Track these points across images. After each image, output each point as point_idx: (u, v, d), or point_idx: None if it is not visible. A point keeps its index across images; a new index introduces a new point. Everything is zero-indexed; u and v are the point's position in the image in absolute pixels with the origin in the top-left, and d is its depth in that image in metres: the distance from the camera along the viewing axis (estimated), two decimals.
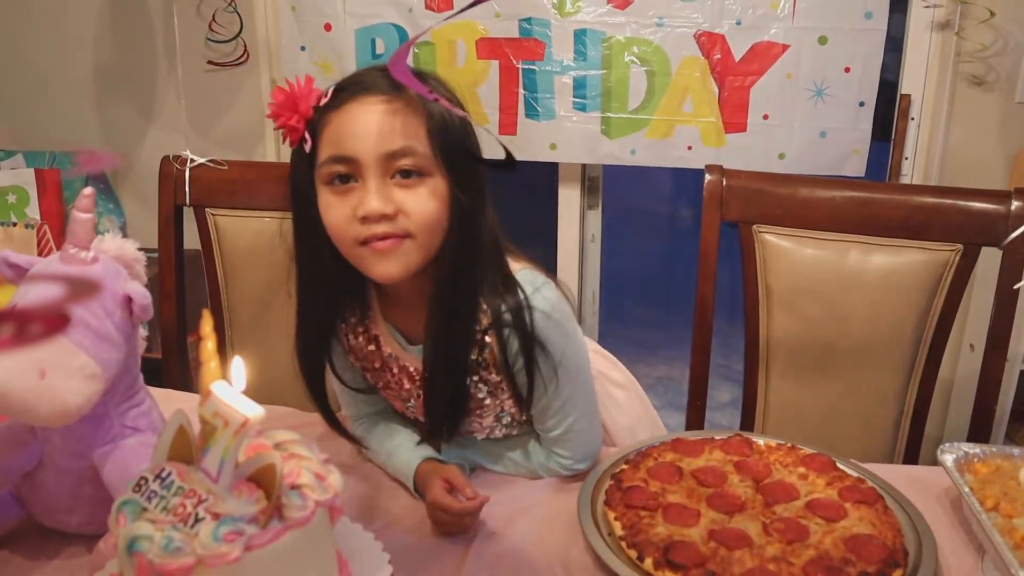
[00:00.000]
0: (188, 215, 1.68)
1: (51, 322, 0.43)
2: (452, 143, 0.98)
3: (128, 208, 2.65)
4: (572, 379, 1.09)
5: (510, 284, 1.03)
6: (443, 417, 1.08)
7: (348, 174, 0.96)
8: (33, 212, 2.28)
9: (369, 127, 0.95)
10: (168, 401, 1.08)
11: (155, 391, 1.06)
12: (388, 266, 0.98)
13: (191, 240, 1.69)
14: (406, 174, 0.96)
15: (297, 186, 1.02)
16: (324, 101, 0.97)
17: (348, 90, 0.97)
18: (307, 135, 0.98)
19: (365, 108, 0.96)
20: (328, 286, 1.06)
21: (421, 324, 1.08)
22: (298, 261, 1.07)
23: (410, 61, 2.23)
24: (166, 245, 1.67)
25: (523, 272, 1.06)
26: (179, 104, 2.12)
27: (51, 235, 1.88)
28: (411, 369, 1.11)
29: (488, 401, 1.10)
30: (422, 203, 0.97)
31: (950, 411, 2.19)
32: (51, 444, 0.95)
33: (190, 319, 1.72)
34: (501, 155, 0.95)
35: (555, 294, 1.06)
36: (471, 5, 0.92)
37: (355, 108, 0.96)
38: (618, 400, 1.35)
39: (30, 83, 2.65)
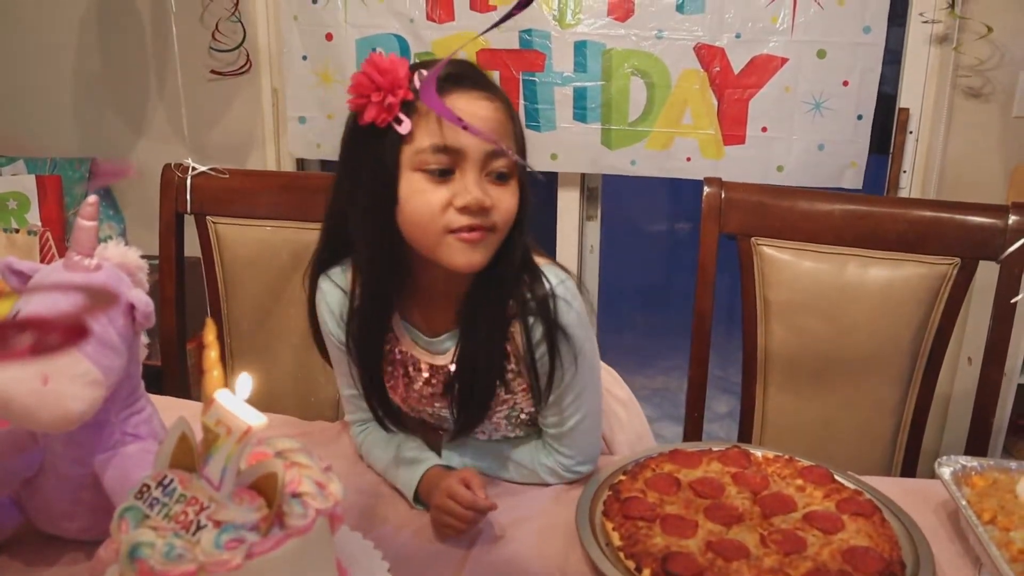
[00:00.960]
0: (188, 223, 1.68)
1: (69, 333, 0.43)
2: (525, 150, 1.05)
3: (128, 215, 2.65)
4: (588, 371, 1.11)
5: (536, 275, 1.07)
6: (475, 410, 1.10)
7: (449, 166, 0.98)
8: (34, 218, 2.29)
9: (478, 120, 0.96)
10: (168, 408, 1.08)
11: (155, 398, 1.06)
12: (474, 256, 1.00)
13: (191, 248, 1.70)
14: (500, 175, 1.00)
15: (370, 167, 1.00)
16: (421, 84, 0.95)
17: (451, 78, 0.97)
18: (403, 115, 0.96)
19: (474, 101, 0.98)
20: (390, 275, 1.07)
21: (441, 317, 1.10)
22: (364, 251, 1.06)
23: None
24: (167, 252, 1.67)
25: (546, 267, 1.09)
26: (180, 112, 2.13)
27: (53, 242, 1.89)
28: (425, 366, 1.12)
29: (504, 395, 1.11)
30: (509, 201, 1.01)
31: (947, 424, 2.20)
32: (52, 450, 0.95)
33: (190, 327, 1.73)
34: None
35: (574, 287, 1.09)
36: (498, 23, 0.91)
37: (464, 99, 0.97)
38: (620, 417, 1.37)
39: (31, 90, 2.66)
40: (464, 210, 0.97)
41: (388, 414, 1.16)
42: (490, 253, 1.01)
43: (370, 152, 0.99)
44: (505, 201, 1.00)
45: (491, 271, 1.03)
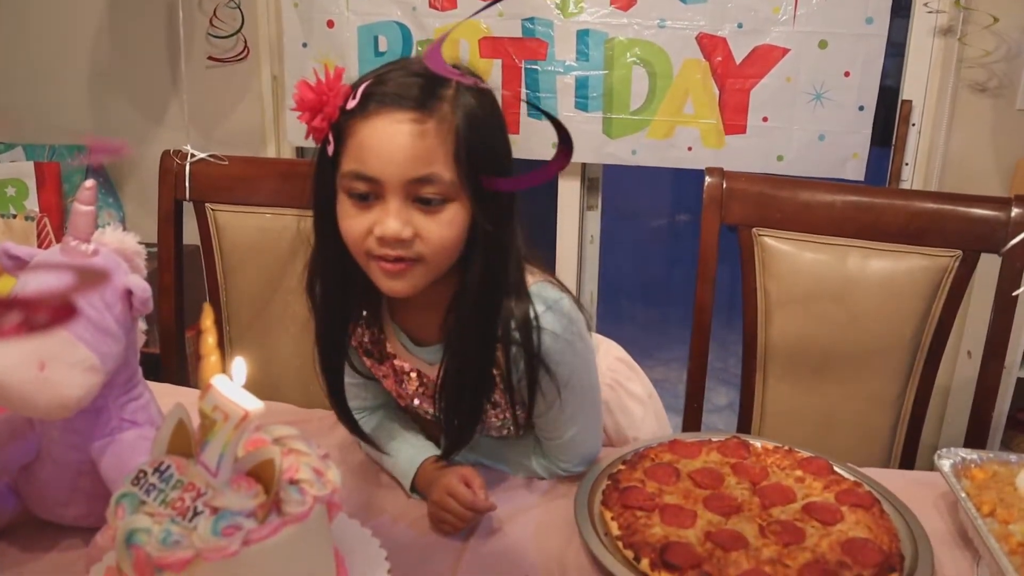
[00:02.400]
0: (188, 211, 1.68)
1: (58, 312, 0.43)
2: (480, 166, 0.94)
3: (127, 203, 2.65)
4: (578, 397, 1.08)
5: (523, 300, 1.01)
6: (463, 431, 1.07)
7: (370, 192, 0.94)
8: (32, 205, 2.28)
9: (395, 149, 0.92)
10: (166, 396, 1.08)
11: (153, 385, 1.06)
12: (395, 285, 0.97)
13: (190, 236, 1.69)
14: (426, 201, 0.94)
15: (319, 183, 1.00)
16: (351, 105, 0.94)
17: (377, 98, 0.93)
18: (331, 137, 0.95)
19: (393, 126, 0.92)
20: (347, 280, 1.05)
21: (428, 327, 1.07)
22: (319, 254, 1.06)
23: (412, 55, 2.25)
24: (165, 240, 1.66)
25: (538, 287, 1.03)
26: (180, 99, 2.12)
27: (51, 227, 1.88)
28: (414, 371, 1.11)
29: (491, 411, 1.10)
30: (440, 230, 0.95)
31: (946, 417, 2.20)
32: (49, 437, 0.95)
33: (188, 314, 1.72)
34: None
35: (567, 311, 1.04)
36: (485, 7, 0.90)
37: (383, 123, 0.92)
38: (633, 414, 1.34)
39: (30, 76, 2.64)
40: (382, 241, 0.94)
41: (346, 420, 1.14)
42: (418, 283, 0.97)
43: (319, 169, 0.99)
44: (433, 232, 0.94)
45: (466, 285, 1.00)
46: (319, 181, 1.00)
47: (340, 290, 1.06)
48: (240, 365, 0.73)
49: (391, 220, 0.93)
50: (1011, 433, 2.18)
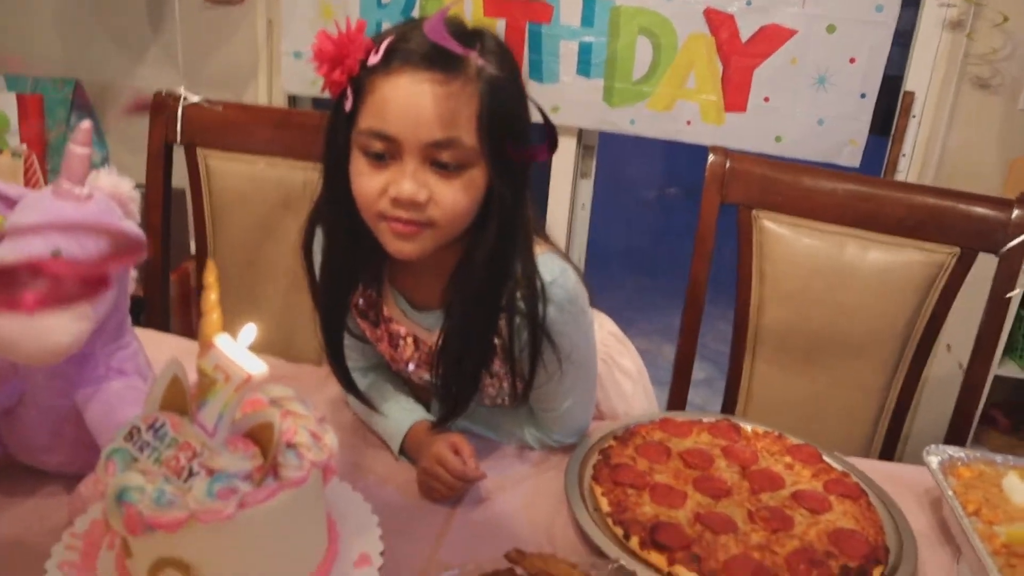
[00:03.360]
0: (176, 154, 1.63)
1: (96, 281, 0.39)
2: (501, 134, 0.92)
3: (110, 142, 2.58)
4: (577, 370, 1.07)
5: (529, 270, 1.00)
6: (455, 401, 1.06)
7: (386, 152, 0.92)
8: (13, 138, 2.21)
9: (417, 109, 0.89)
10: (151, 343, 1.06)
11: (137, 331, 1.03)
12: (404, 247, 0.95)
13: (178, 179, 1.65)
14: (444, 165, 0.92)
15: (332, 139, 0.97)
16: (374, 60, 0.91)
17: (401, 55, 0.90)
18: (349, 92, 0.92)
19: (416, 85, 0.89)
20: (354, 241, 1.02)
21: (429, 293, 1.06)
22: (328, 212, 1.03)
23: (415, 11, 2.19)
24: (154, 182, 1.62)
25: (544, 257, 1.02)
26: (170, 38, 2.06)
27: (39, 164, 1.82)
28: (410, 336, 1.09)
29: (488, 381, 1.09)
30: (454, 196, 0.93)
31: (920, 408, 2.22)
32: (33, 381, 0.92)
33: (172, 259, 1.69)
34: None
35: (573, 284, 1.02)
36: None
37: (405, 82, 0.89)
38: (623, 389, 1.34)
39: (12, 6, 2.55)
40: (396, 202, 0.92)
41: (344, 380, 1.13)
42: (427, 247, 0.96)
43: (334, 123, 0.96)
44: (447, 196, 0.92)
45: (475, 253, 0.98)
46: (332, 136, 0.96)
47: (347, 251, 1.03)
48: (250, 330, 0.70)
49: (407, 182, 0.91)
50: (983, 428, 2.22)
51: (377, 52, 0.90)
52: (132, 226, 0.93)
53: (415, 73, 0.89)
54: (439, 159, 0.91)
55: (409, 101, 0.89)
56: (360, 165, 0.94)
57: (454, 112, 0.90)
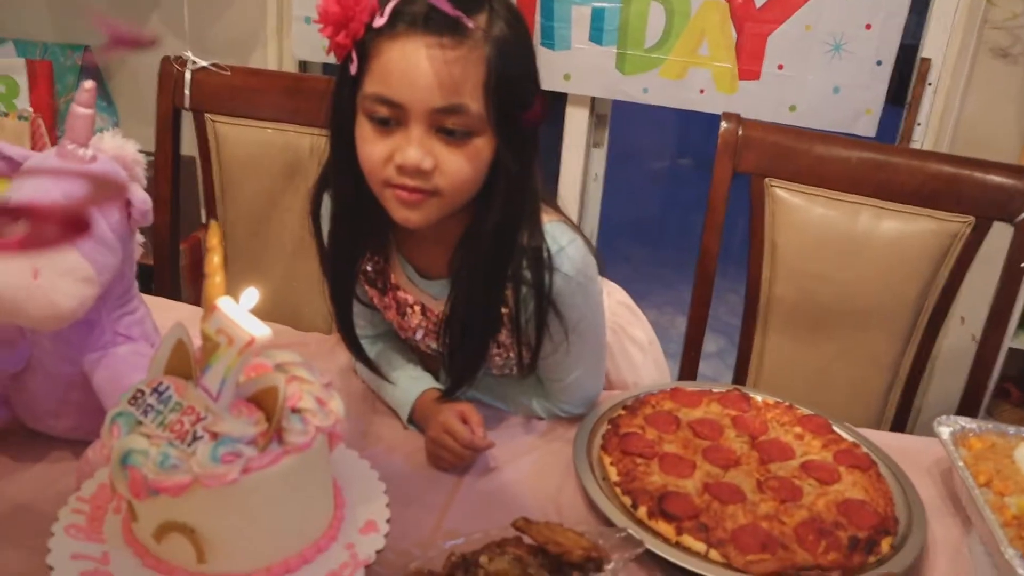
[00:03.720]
0: (185, 120, 1.62)
1: (70, 226, 0.39)
2: (509, 101, 0.91)
3: (120, 108, 2.57)
4: (585, 341, 1.06)
5: (536, 239, 0.98)
6: (466, 371, 1.05)
7: (391, 117, 0.90)
8: (23, 103, 2.20)
9: (422, 74, 0.87)
10: (161, 310, 1.06)
11: (146, 299, 1.03)
12: (410, 215, 0.94)
13: (187, 147, 1.64)
14: (450, 132, 0.90)
15: (338, 104, 0.95)
16: (379, 23, 0.89)
17: (407, 18, 0.88)
18: (354, 55, 0.90)
19: (422, 50, 0.87)
20: (361, 208, 1.01)
21: (436, 261, 1.05)
22: (335, 178, 1.02)
23: None
24: (163, 149, 1.61)
25: (552, 226, 1.00)
26: (180, 2, 2.03)
27: (45, 128, 1.81)
28: (418, 305, 1.08)
29: (495, 350, 1.08)
30: (461, 164, 0.91)
31: (933, 381, 2.20)
32: (40, 347, 0.92)
33: (182, 227, 1.69)
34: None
35: (581, 253, 1.01)
36: None
37: (412, 46, 0.87)
38: (633, 359, 1.32)
39: None
40: (401, 169, 0.90)
41: (354, 348, 1.12)
42: (433, 215, 0.94)
43: (339, 88, 0.95)
44: (453, 164, 0.91)
45: (482, 222, 0.96)
46: (338, 100, 0.95)
47: (354, 217, 1.02)
48: (252, 294, 0.70)
49: (412, 149, 0.89)
50: (996, 401, 2.20)
51: (382, 14, 0.89)
52: (137, 190, 0.92)
53: (421, 37, 0.87)
54: (445, 125, 0.90)
55: (414, 66, 0.87)
56: (365, 131, 0.92)
57: (460, 78, 0.88)
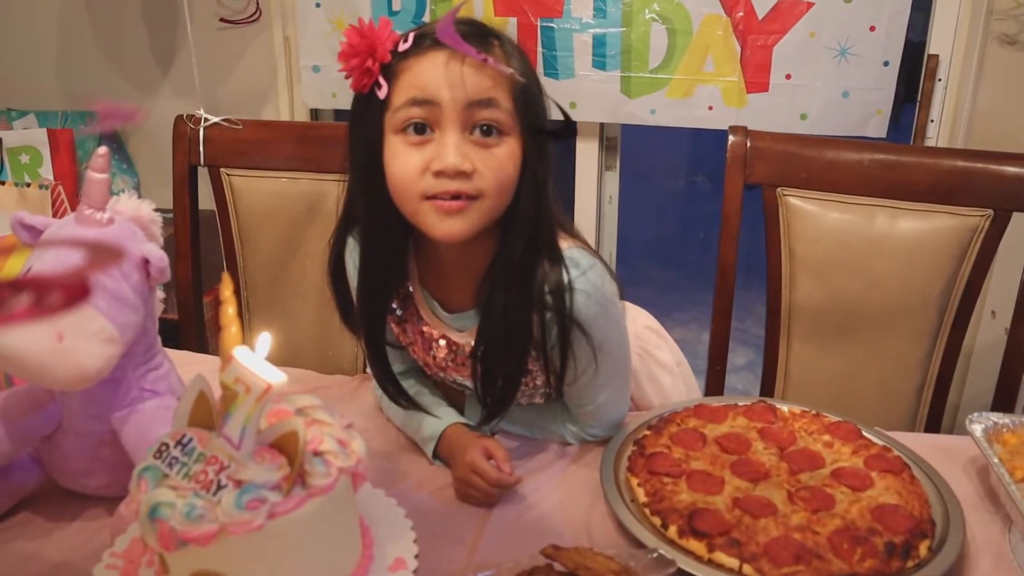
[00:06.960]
0: (202, 176, 1.66)
1: (73, 291, 0.41)
2: (533, 107, 0.95)
3: (141, 170, 2.63)
4: (610, 363, 1.06)
5: (556, 263, 0.99)
6: (499, 402, 1.05)
7: (425, 123, 0.91)
8: (46, 172, 2.26)
9: (454, 72, 0.90)
10: (185, 363, 1.08)
11: (172, 353, 1.05)
12: (453, 225, 0.93)
13: (205, 201, 1.67)
14: (487, 131, 0.92)
15: (360, 134, 0.97)
16: (405, 47, 0.92)
17: (429, 38, 0.92)
18: (381, 80, 0.92)
19: (452, 55, 0.90)
20: (389, 239, 1.02)
21: (461, 293, 1.05)
22: (360, 213, 1.03)
23: (426, 17, 2.20)
24: (181, 205, 1.65)
25: (571, 251, 1.01)
26: (191, 63, 2.09)
27: (65, 196, 1.86)
28: (443, 338, 1.09)
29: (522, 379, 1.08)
30: (498, 164, 0.92)
31: (969, 378, 2.17)
32: (70, 407, 0.94)
33: (206, 280, 1.71)
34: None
35: (601, 277, 1.01)
36: None
37: (442, 56, 0.91)
38: (662, 383, 1.32)
39: (40, 42, 2.61)
40: (440, 175, 0.90)
41: (391, 384, 1.12)
42: (475, 223, 0.94)
43: (361, 119, 0.96)
44: (492, 163, 0.91)
45: (508, 251, 0.97)
46: (360, 133, 0.97)
47: (384, 253, 1.03)
48: (265, 339, 0.71)
49: (450, 151, 0.90)
50: None
51: (406, 40, 0.92)
52: (154, 248, 0.95)
53: (447, 51, 0.91)
54: (480, 120, 0.91)
55: (446, 67, 0.90)
56: (397, 147, 0.93)
57: (490, 77, 0.91)
